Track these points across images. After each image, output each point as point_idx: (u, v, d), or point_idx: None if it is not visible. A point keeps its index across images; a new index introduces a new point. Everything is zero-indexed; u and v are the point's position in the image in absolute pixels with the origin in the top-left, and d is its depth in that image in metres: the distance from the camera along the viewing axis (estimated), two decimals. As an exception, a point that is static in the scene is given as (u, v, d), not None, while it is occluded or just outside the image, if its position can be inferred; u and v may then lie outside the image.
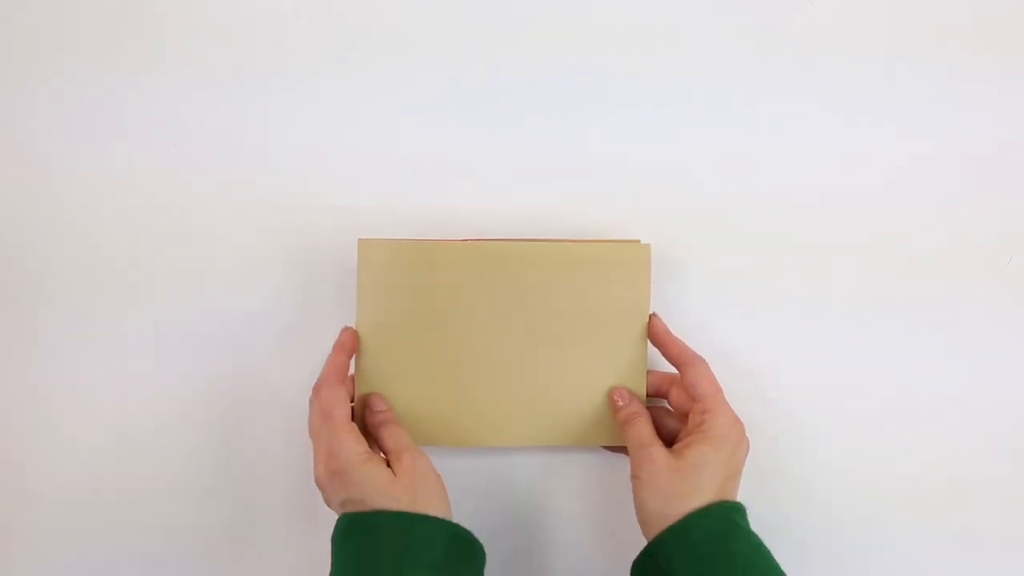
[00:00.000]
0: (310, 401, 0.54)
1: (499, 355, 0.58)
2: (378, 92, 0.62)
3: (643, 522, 0.53)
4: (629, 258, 0.58)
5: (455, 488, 0.54)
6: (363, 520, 0.51)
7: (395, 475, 0.52)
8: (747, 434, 0.55)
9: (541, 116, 0.63)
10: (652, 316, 0.58)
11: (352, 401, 0.57)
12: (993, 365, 0.62)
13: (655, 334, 0.58)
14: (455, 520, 0.52)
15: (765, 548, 0.52)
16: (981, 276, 0.63)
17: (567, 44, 0.63)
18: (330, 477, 0.52)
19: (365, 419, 0.57)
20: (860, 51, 0.63)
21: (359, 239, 0.57)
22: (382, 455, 0.54)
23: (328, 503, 0.54)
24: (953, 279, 0.63)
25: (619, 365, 0.58)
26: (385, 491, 0.51)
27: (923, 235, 0.63)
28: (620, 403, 0.57)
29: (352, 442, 0.52)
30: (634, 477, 0.54)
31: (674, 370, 0.57)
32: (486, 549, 0.53)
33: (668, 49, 0.63)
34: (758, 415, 0.57)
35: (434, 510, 0.51)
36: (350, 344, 0.56)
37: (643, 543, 0.53)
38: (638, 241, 0.58)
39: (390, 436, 0.54)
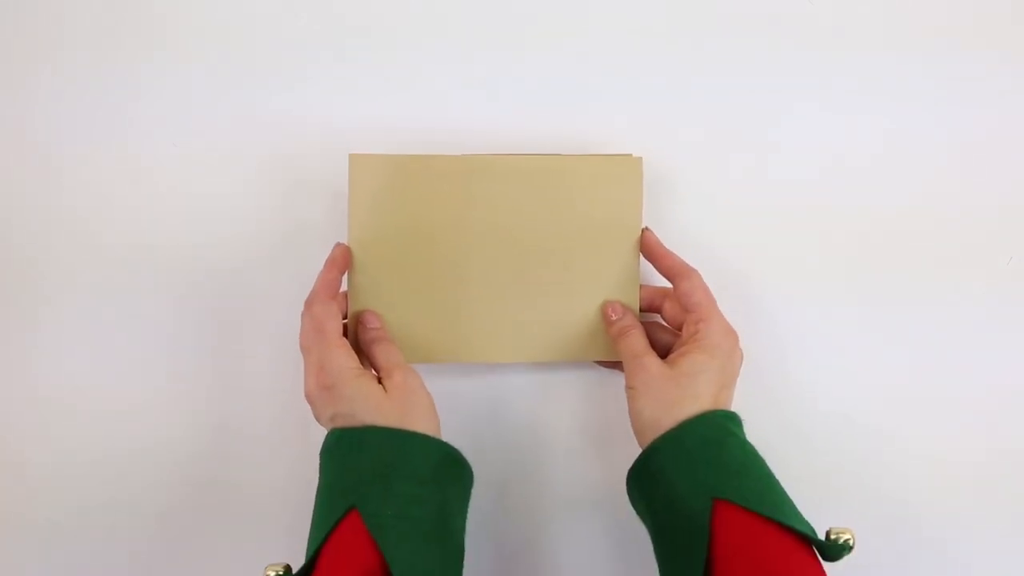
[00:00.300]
0: (302, 316, 0.54)
1: (491, 270, 0.57)
2: (378, 92, 0.62)
3: (638, 431, 0.53)
4: (621, 171, 0.57)
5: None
6: (352, 435, 0.51)
7: (386, 391, 0.52)
8: (740, 346, 0.54)
9: (541, 116, 0.63)
10: (644, 230, 0.58)
11: (344, 318, 0.56)
12: (993, 365, 0.62)
13: (648, 247, 0.57)
14: (446, 439, 0.52)
15: (759, 456, 0.51)
16: (981, 276, 0.63)
17: (567, 44, 0.63)
18: (320, 391, 0.52)
19: (358, 336, 0.56)
20: (860, 51, 0.63)
21: (350, 154, 0.56)
22: (374, 372, 0.54)
23: (317, 418, 0.53)
24: (953, 279, 0.63)
25: (612, 279, 0.58)
26: (375, 407, 0.51)
27: (923, 235, 0.63)
28: (613, 317, 0.57)
29: (344, 357, 0.52)
30: (629, 387, 0.54)
31: (667, 285, 0.57)
32: (479, 467, 0.53)
33: (668, 49, 0.63)
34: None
35: (423, 428, 0.51)
36: (342, 260, 0.56)
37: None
38: (630, 155, 0.58)
39: (382, 353, 0.54)
